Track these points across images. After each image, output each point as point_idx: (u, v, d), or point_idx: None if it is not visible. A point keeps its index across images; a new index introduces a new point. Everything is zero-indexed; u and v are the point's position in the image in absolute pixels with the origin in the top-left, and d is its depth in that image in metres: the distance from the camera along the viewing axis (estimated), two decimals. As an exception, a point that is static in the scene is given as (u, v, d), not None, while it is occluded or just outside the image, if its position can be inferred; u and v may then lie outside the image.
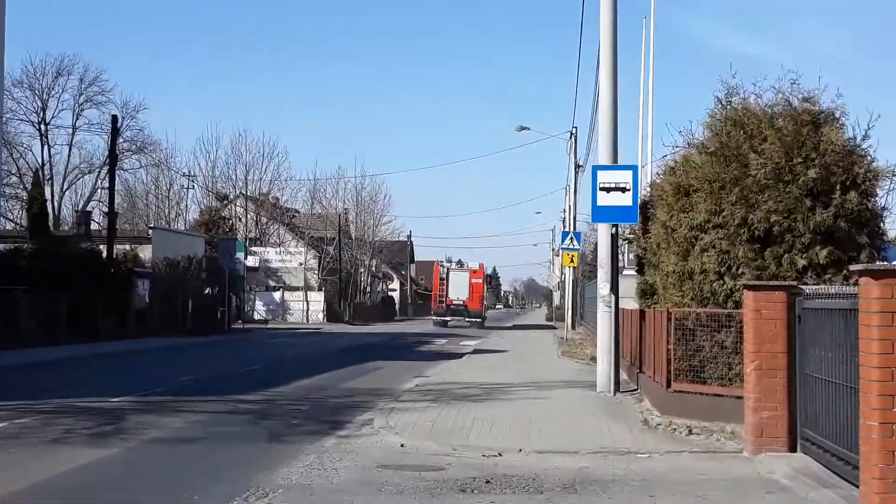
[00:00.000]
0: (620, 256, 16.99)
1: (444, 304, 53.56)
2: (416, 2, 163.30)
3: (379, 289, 78.77)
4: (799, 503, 7.10)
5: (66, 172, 54.93)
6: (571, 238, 28.99)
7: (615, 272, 14.70)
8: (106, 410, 12.31)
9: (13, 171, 50.52)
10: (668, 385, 11.50)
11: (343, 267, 62.37)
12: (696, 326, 11.17)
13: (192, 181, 57.36)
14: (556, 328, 47.73)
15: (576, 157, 43.25)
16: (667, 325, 11.51)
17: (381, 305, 73.80)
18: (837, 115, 10.77)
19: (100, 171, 53.34)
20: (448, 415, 11.76)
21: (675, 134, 12.59)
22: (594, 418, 11.61)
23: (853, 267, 6.81)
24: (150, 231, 41.00)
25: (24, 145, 53.64)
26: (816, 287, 9.04)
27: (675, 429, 10.51)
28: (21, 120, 52.73)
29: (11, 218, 50.19)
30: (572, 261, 29.03)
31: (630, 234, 15.76)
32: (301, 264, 58.91)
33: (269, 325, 49.63)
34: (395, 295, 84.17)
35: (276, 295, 58.05)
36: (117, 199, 45.37)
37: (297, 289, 58.57)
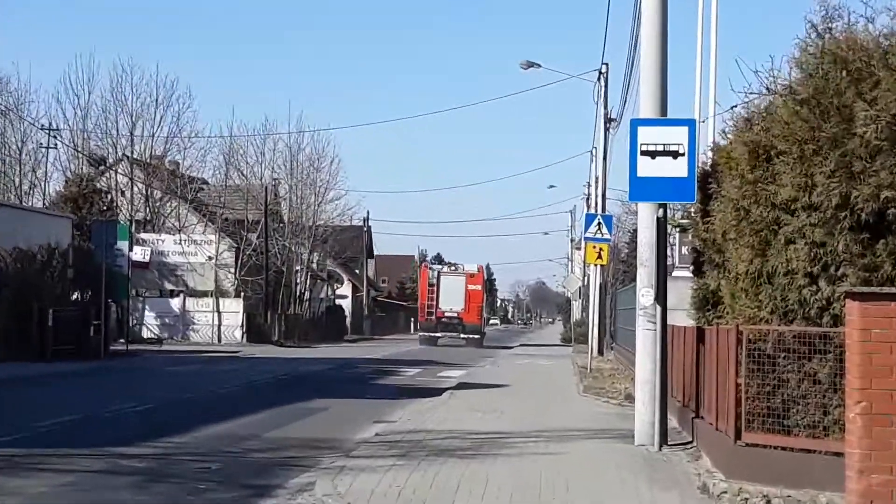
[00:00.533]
0: (670, 251, 16.99)
1: (433, 317, 58.21)
2: None
3: (323, 294, 78.67)
4: None
5: None
6: (599, 224, 28.99)
7: (662, 273, 14.67)
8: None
9: None
10: (738, 436, 11.49)
11: (272, 263, 62.21)
12: (778, 352, 11.15)
13: (55, 137, 56.93)
14: (575, 352, 47.82)
15: (606, 108, 43.33)
16: (736, 350, 11.50)
17: (325, 319, 73.76)
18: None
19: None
20: (422, 479, 11.71)
21: (750, 75, 12.47)
22: (632, 485, 11.59)
23: None
24: (-7, 210, 40.72)
25: None
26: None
27: (746, 499, 10.50)
28: None
29: None
30: (600, 256, 29.06)
31: (684, 218, 15.74)
32: (211, 259, 58.67)
33: (164, 347, 49.38)
34: (346, 303, 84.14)
35: (175, 303, 57.78)
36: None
37: (204, 294, 58.33)
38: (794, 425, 11.06)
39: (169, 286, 58.80)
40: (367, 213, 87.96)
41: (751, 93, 12.56)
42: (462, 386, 26.51)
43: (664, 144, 14.03)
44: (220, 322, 57.29)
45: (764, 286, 11.53)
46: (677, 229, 17.96)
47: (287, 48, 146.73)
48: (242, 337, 56.98)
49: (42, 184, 57.72)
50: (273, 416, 19.42)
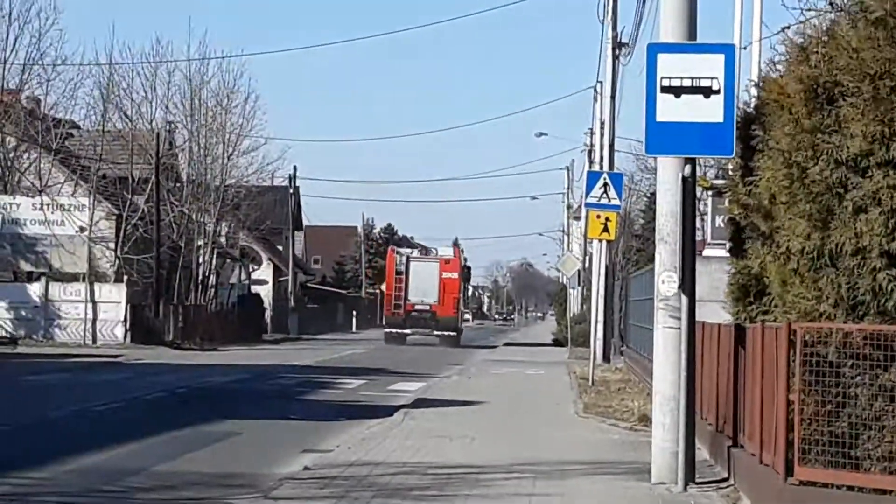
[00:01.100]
0: (699, 222, 17.01)
1: (401, 310, 63.62)
2: None
3: (234, 279, 78.49)
4: None
5: None
6: (605, 185, 29.02)
7: (689, 253, 14.70)
8: None
9: None
10: (789, 471, 11.53)
11: (165, 237, 61.97)
12: (844, 358, 11.19)
13: None
14: (572, 358, 47.93)
15: (615, 29, 43.35)
16: (787, 356, 11.56)
17: (238, 312, 73.56)
18: None
19: None
20: (366, 527, 11.72)
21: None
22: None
23: None
24: None
25: None
26: None
27: (800, 555, 10.54)
28: None
29: None
30: (606, 229, 29.09)
31: (719, 178, 15.76)
32: (84, 230, 58.33)
33: (19, 349, 49.13)
34: (266, 291, 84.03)
35: (35, 289, 57.47)
36: None
37: (74, 278, 58.04)
38: (864, 457, 11.10)
39: (26, 267, 58.38)
40: (295, 169, 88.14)
41: (808, 9, 12.57)
42: (420, 403, 26.53)
43: (693, 78, 14.05)
44: (95, 316, 56.99)
45: (825, 269, 11.56)
46: (710, 193, 18.00)
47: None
48: (125, 336, 56.73)
49: None
50: (166, 443, 19.37)
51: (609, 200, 28.74)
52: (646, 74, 14.29)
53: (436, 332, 63.52)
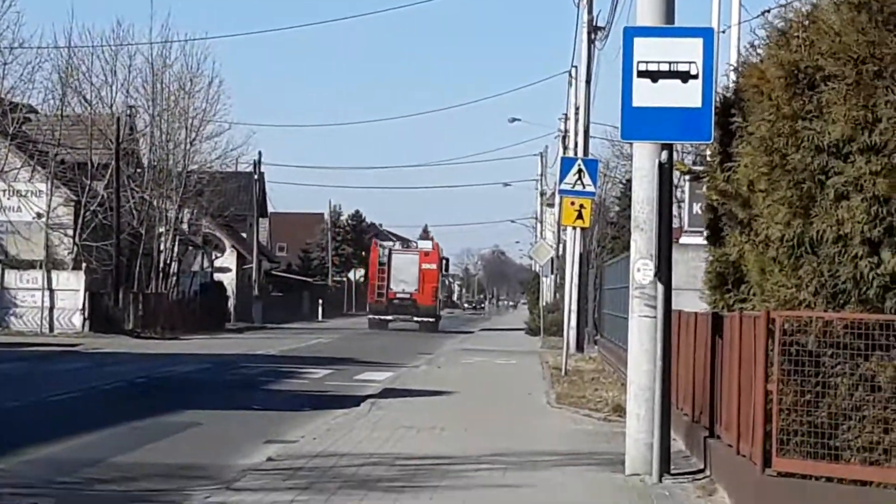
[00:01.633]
0: (676, 209, 17.04)
1: (384, 298, 71.99)
2: None
3: (197, 267, 78.27)
4: None
5: None
6: (580, 171, 29.08)
7: (666, 240, 14.73)
8: None
9: None
10: (767, 462, 11.57)
11: (125, 224, 61.77)
12: (824, 347, 11.23)
13: None
14: (545, 347, 48.03)
15: (591, 12, 43.34)
16: (765, 345, 11.59)
17: (200, 300, 73.31)
18: None
19: None
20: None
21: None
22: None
23: None
24: None
25: None
26: None
27: (778, 548, 10.58)
28: None
29: None
30: (580, 216, 29.12)
31: (696, 164, 15.78)
32: (41, 217, 58.17)
33: (-26, 338, 48.97)
34: (229, 279, 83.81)
35: (-9, 277, 57.33)
36: None
37: (31, 266, 57.88)
38: (844, 447, 11.14)
39: (-18, 254, 58.25)
40: (259, 154, 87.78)
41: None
42: (388, 393, 26.55)
43: (670, 63, 14.08)
44: (52, 304, 56.89)
45: (805, 257, 11.60)
46: (687, 178, 18.02)
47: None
48: (84, 325, 56.62)
49: None
50: (126, 433, 19.36)
51: (584, 187, 28.77)
52: (622, 59, 14.30)
53: (416, 319, 71.48)
